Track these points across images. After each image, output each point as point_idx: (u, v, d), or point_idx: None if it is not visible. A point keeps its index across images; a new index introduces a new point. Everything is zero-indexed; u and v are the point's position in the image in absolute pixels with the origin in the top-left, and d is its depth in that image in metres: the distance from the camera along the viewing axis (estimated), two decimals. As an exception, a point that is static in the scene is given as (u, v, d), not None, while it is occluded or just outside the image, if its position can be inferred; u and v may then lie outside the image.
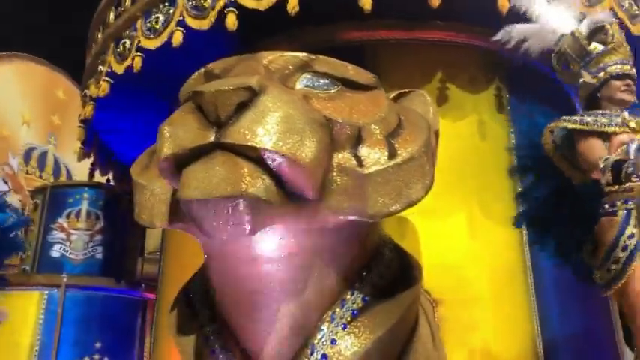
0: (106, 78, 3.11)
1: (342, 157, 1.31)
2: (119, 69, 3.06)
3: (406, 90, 1.79)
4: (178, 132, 1.18)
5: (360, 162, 1.32)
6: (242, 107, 1.16)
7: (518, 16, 2.39)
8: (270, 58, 1.41)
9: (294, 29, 2.87)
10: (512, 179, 2.23)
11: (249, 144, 1.12)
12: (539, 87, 3.06)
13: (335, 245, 1.39)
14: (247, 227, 1.15)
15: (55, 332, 4.53)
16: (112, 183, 5.57)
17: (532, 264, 2.58)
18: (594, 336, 2.69)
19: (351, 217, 1.32)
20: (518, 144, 2.72)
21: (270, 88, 1.21)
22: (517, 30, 2.13)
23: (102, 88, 3.12)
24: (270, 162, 1.14)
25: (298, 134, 1.16)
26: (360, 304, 1.41)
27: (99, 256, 5.27)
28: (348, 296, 1.42)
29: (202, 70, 1.52)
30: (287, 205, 1.20)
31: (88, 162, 5.73)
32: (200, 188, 1.11)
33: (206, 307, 1.50)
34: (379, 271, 1.51)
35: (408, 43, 3.01)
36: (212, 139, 1.14)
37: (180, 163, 1.18)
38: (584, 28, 2.05)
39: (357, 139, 1.35)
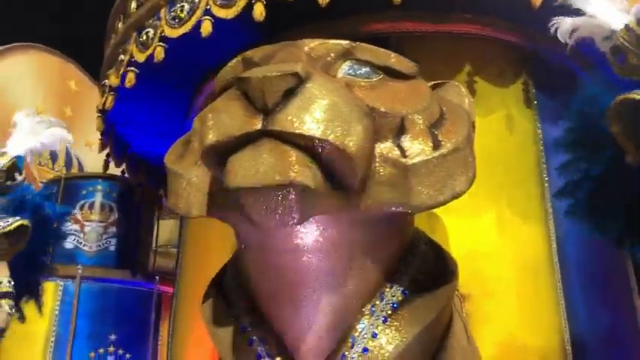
0: (131, 68, 3.10)
1: (385, 147, 1.31)
2: (141, 58, 3.04)
3: (439, 82, 1.78)
4: (223, 119, 1.17)
5: (403, 152, 1.31)
6: (288, 95, 1.15)
7: (550, 10, 2.35)
8: (312, 45, 1.41)
9: (318, 20, 2.84)
10: (557, 198, 2.15)
11: (297, 132, 1.11)
12: (566, 82, 3.03)
13: (375, 237, 1.38)
14: (295, 216, 1.14)
15: (70, 324, 4.54)
16: (125, 175, 5.55)
17: (560, 260, 2.56)
18: (621, 332, 2.67)
19: (395, 209, 1.31)
20: (548, 138, 2.70)
21: (315, 76, 1.20)
22: (569, 22, 2.09)
23: (128, 78, 3.10)
24: (317, 150, 1.13)
25: (346, 122, 1.15)
26: (400, 298, 1.41)
27: (112, 248, 5.27)
28: (388, 289, 1.41)
29: (240, 57, 1.51)
30: (332, 194, 1.19)
31: (96, 154, 5.74)
32: (248, 176, 1.10)
33: (241, 299, 1.49)
34: (417, 265, 1.50)
35: (434, 36, 2.98)
36: (259, 126, 1.13)
37: (225, 150, 1.17)
38: (633, 19, 2.01)
39: (400, 129, 1.34)
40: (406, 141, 1.32)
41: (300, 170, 1.10)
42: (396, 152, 1.30)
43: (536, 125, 2.86)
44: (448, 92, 1.71)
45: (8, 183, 3.50)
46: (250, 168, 1.10)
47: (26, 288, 3.61)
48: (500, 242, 2.50)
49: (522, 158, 2.76)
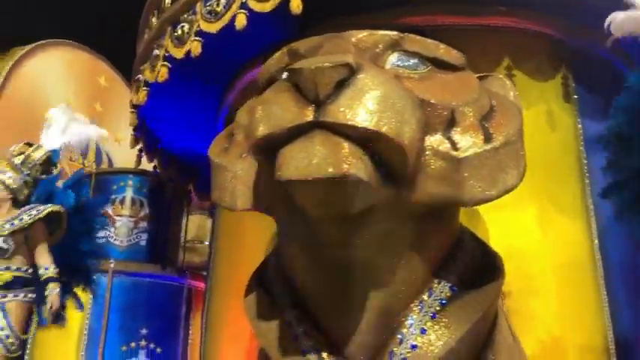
0: (165, 63, 3.11)
1: (435, 140, 1.28)
2: (177, 53, 3.05)
3: (482, 74, 1.74)
4: (274, 111, 1.16)
5: (454, 145, 1.28)
6: (339, 86, 1.13)
7: (591, 3, 2.30)
8: (359, 36, 1.38)
9: (352, 14, 2.82)
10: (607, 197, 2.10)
11: (350, 123, 1.09)
12: (607, 77, 2.97)
13: (423, 232, 1.35)
14: (347, 209, 1.12)
15: (102, 318, 4.60)
16: (156, 170, 5.60)
17: (602, 257, 2.51)
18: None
19: (445, 203, 1.29)
20: (588, 134, 2.65)
21: (366, 67, 1.18)
22: (622, 16, 2.04)
23: (161, 73, 3.12)
24: (369, 142, 1.11)
25: (399, 114, 1.13)
26: (449, 294, 1.38)
27: (143, 243, 5.34)
28: (435, 285, 1.39)
29: (285, 49, 1.49)
30: (383, 187, 1.17)
31: (125, 150, 5.79)
32: (300, 168, 1.09)
33: (285, 293, 1.48)
34: (464, 261, 1.48)
35: (470, 29, 2.94)
36: (311, 117, 1.12)
37: (276, 142, 1.15)
38: None
39: (450, 122, 1.31)
40: (457, 134, 1.29)
41: (353, 162, 1.08)
42: (447, 145, 1.27)
43: (576, 120, 2.81)
44: (492, 85, 1.67)
45: (44, 176, 3.58)
46: (303, 160, 1.09)
47: (76, 274, 3.68)
48: (542, 239, 2.46)
49: (563, 154, 2.71)
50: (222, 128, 3.95)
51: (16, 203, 3.56)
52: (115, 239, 5.23)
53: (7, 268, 3.38)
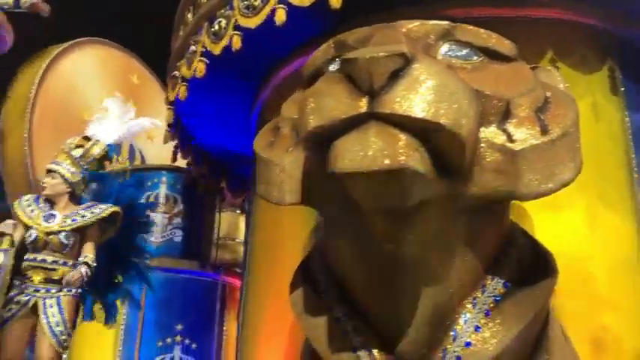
0: (202, 58, 3.12)
1: (490, 132, 1.26)
2: (215, 49, 3.05)
3: (530, 66, 1.70)
4: (327, 102, 1.14)
5: (509, 137, 1.26)
6: (393, 77, 1.11)
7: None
8: (410, 26, 1.36)
9: (390, 8, 2.79)
10: None
11: (407, 114, 1.07)
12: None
13: (477, 227, 1.34)
14: (403, 202, 1.11)
15: (139, 314, 4.64)
16: (189, 167, 5.63)
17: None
18: None
19: (502, 196, 1.26)
20: (636, 127, 2.58)
21: (421, 57, 1.16)
22: None
23: (199, 68, 3.13)
24: (426, 133, 1.09)
25: (457, 105, 1.11)
26: (502, 290, 1.36)
27: (177, 239, 5.37)
28: (489, 281, 1.37)
29: (332, 41, 1.47)
30: (439, 181, 1.15)
31: (158, 147, 5.82)
32: (355, 160, 1.07)
33: (333, 288, 1.46)
34: (516, 257, 1.46)
35: (511, 21, 2.87)
36: (365, 109, 1.10)
37: (329, 135, 1.14)
38: None
39: (505, 114, 1.28)
40: (512, 126, 1.27)
41: (410, 154, 1.06)
42: (502, 137, 1.25)
43: (623, 114, 2.74)
44: (540, 77, 1.63)
45: (100, 171, 3.58)
46: (358, 152, 1.07)
47: (127, 271, 3.68)
48: (590, 235, 2.40)
49: (611, 148, 2.64)
50: (255, 125, 3.96)
51: (74, 198, 3.53)
52: (149, 235, 5.26)
53: (65, 264, 3.36)
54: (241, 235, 6.89)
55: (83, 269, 3.29)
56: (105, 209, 3.45)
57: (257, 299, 3.27)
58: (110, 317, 3.68)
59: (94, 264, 3.35)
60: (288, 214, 2.77)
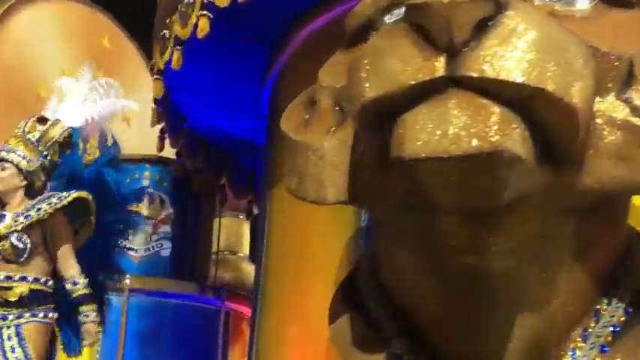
0: (204, 12, 3.11)
1: (609, 103, 1.23)
2: (221, 1, 3.04)
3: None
4: (389, 64, 1.12)
5: (634, 110, 1.22)
6: (481, 28, 1.08)
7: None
8: (496, -38, 1.33)
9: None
10: None
11: (501, 78, 1.05)
12: None
13: (587, 233, 1.32)
14: (494, 198, 1.08)
15: (117, 350, 4.68)
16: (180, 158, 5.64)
17: None
18: None
19: (623, 189, 1.25)
20: None
21: (515, 3, 1.12)
22: None
23: (201, 26, 3.12)
24: (527, 105, 1.06)
25: (567, 65, 1.08)
26: (622, 318, 1.35)
27: (165, 252, 5.40)
28: (604, 306, 1.36)
29: (383, -13, 1.45)
30: (542, 169, 1.12)
31: (135, 131, 5.83)
32: (431, 142, 1.05)
33: (388, 314, 1.47)
34: (638, 274, 1.42)
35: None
36: (442, 71, 1.08)
37: (393, 107, 1.12)
38: None
39: (627, 78, 1.25)
40: (637, 93, 1.23)
41: (507, 133, 1.04)
42: (625, 110, 1.22)
43: None
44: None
45: (60, 160, 3.60)
46: (434, 130, 1.05)
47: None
48: None
49: None
50: (267, 102, 3.95)
51: (30, 192, 3.56)
52: (128, 248, 5.28)
53: (23, 279, 3.36)
54: (245, 249, 6.92)
55: (91, 316, 3.35)
56: (67, 197, 3.45)
57: (275, 330, 3.28)
58: (70, 347, 3.66)
59: (86, 279, 3.38)
60: (319, 216, 2.75)
